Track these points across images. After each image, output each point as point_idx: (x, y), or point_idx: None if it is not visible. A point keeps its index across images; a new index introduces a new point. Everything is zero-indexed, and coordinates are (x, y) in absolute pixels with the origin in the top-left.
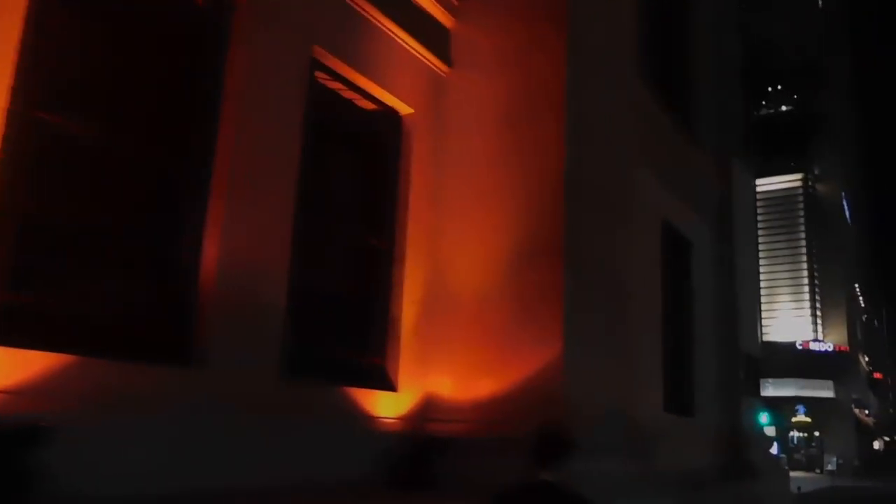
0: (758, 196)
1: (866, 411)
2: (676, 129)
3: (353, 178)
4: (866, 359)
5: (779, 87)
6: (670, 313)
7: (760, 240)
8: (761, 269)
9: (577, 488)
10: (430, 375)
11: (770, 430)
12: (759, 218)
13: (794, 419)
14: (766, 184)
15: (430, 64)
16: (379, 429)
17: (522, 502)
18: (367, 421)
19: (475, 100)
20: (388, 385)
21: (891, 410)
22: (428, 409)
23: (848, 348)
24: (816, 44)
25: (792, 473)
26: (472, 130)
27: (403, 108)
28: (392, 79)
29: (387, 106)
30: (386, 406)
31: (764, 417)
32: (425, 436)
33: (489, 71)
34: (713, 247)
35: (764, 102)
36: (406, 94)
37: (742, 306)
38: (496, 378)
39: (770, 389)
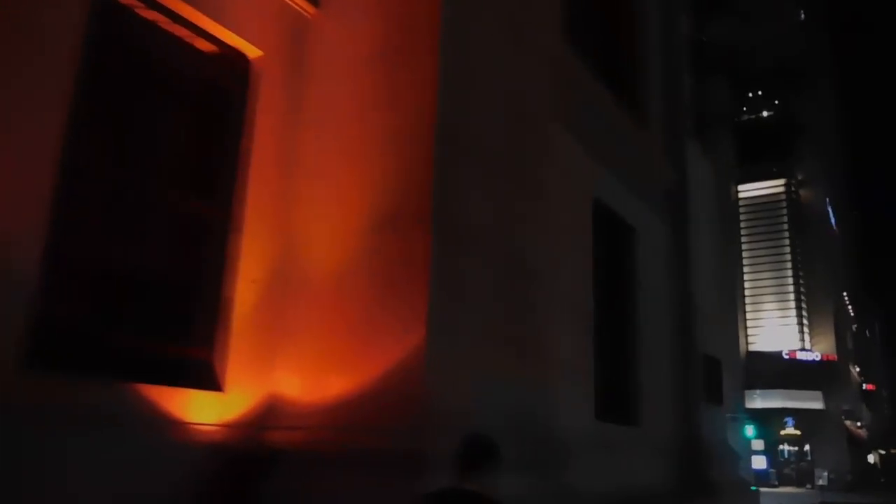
0: (740, 202)
1: (858, 423)
2: (617, 104)
3: (176, 129)
4: (857, 369)
5: (760, 92)
6: (607, 307)
7: (744, 247)
8: (745, 278)
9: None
10: (274, 372)
11: (758, 444)
12: (742, 224)
13: (782, 432)
14: (748, 189)
15: (288, 1)
16: (192, 439)
17: None
18: (172, 428)
19: (345, 42)
20: (211, 383)
21: (887, 423)
22: (270, 414)
23: (836, 357)
24: (799, 48)
25: (782, 489)
26: (340, 77)
27: (251, 51)
28: (237, 15)
29: (228, 47)
30: (208, 409)
31: (750, 430)
32: (251, 447)
33: (363, 9)
34: (665, 236)
35: (745, 108)
36: (256, 35)
37: (703, 303)
38: (350, 374)
39: (758, 401)
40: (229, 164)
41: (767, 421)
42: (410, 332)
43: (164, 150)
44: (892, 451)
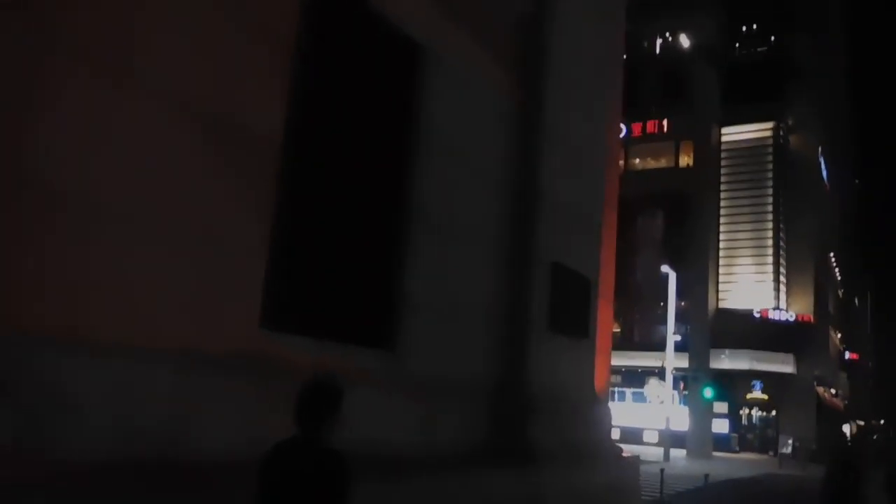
0: (722, 147)
1: (832, 391)
2: None
3: None
4: (839, 335)
5: (754, 26)
6: (338, 154)
7: (722, 195)
8: (721, 229)
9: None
10: None
11: (721, 407)
12: (722, 171)
13: (748, 395)
14: (732, 133)
15: None
16: None
17: (277, 464)
18: None
19: None
20: None
21: (869, 394)
22: None
23: (813, 319)
24: None
25: (742, 455)
26: None
27: None
28: None
29: None
30: None
31: (709, 392)
32: None
33: None
34: (506, 86)
35: (737, 44)
36: None
37: (561, 197)
38: None
39: (725, 361)
40: None
41: (734, 383)
42: None
43: None
44: (873, 422)
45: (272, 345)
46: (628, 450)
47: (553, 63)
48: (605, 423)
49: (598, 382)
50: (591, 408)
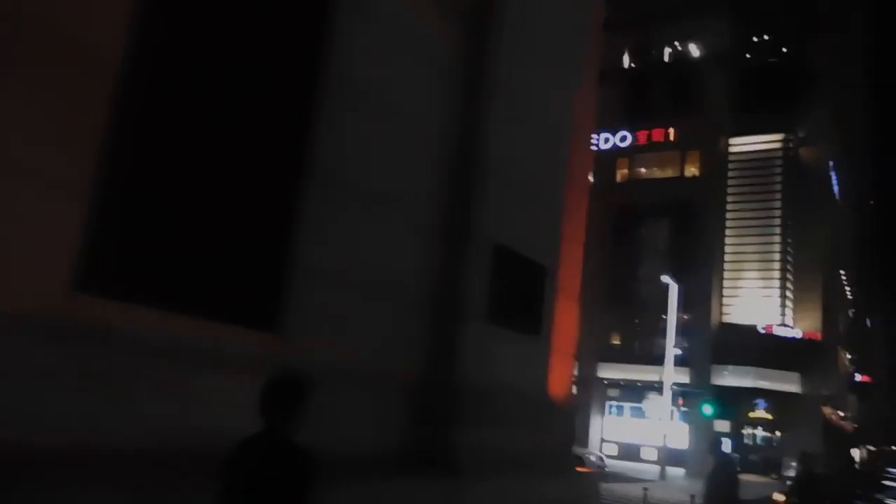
0: (730, 158)
1: (841, 413)
2: None
3: None
4: (849, 356)
5: (765, 37)
6: (205, 93)
7: (728, 207)
8: (727, 242)
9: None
10: None
11: (722, 425)
12: (729, 182)
13: (751, 414)
14: (741, 144)
15: None
16: None
17: (243, 460)
18: None
19: None
20: None
21: (883, 418)
22: None
23: (820, 337)
24: None
25: (743, 476)
26: None
27: None
28: None
29: None
30: None
31: (708, 409)
32: None
33: None
34: (447, 46)
35: (748, 55)
36: None
37: (511, 176)
38: None
39: (728, 378)
40: None
41: (736, 401)
42: None
43: None
44: (887, 447)
45: (90, 313)
46: (624, 467)
47: (507, 18)
48: (559, 433)
49: (558, 388)
50: (541, 415)
